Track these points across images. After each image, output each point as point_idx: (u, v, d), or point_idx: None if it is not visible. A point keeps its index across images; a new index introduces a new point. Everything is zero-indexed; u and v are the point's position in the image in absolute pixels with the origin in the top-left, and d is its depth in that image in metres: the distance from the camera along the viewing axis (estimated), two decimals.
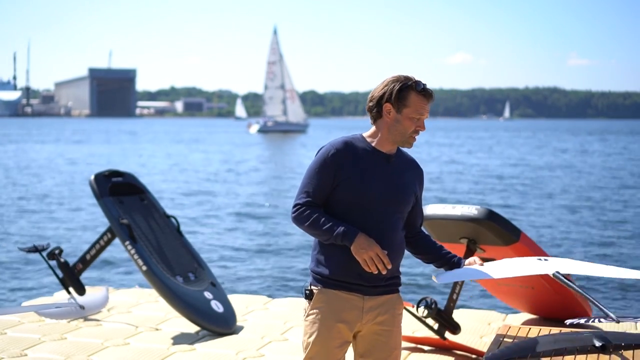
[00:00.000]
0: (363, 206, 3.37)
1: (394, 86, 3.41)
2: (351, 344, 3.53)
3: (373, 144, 3.45)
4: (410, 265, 11.49)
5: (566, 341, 4.76)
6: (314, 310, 3.44)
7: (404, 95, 3.40)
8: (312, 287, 3.47)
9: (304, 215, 3.39)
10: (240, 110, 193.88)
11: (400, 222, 3.47)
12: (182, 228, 7.34)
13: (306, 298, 3.48)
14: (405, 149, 3.55)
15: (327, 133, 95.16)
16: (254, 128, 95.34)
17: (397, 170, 3.46)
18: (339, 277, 3.39)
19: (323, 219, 3.36)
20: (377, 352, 3.47)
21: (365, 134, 3.49)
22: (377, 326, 3.46)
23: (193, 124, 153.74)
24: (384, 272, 3.34)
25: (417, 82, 3.42)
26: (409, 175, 3.50)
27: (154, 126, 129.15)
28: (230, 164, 39.45)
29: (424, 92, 3.42)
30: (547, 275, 6.00)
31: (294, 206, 3.43)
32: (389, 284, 3.47)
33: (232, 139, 77.62)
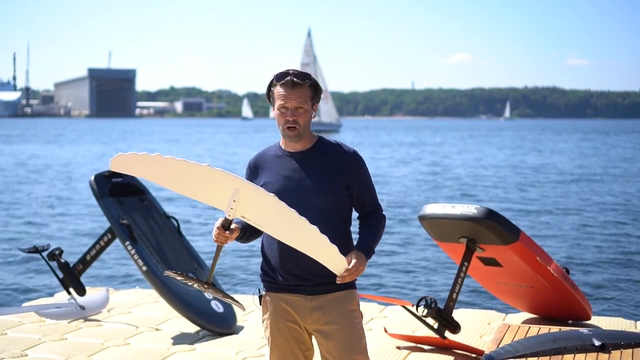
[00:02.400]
0: None
1: (267, 88, 3.50)
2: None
3: (283, 147, 3.51)
4: (410, 265, 11.50)
5: (565, 340, 4.77)
6: (265, 315, 3.54)
7: (272, 92, 3.46)
8: (262, 292, 3.56)
9: None
10: (246, 110, 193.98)
11: (322, 215, 3.37)
12: (182, 228, 7.34)
13: (260, 304, 3.57)
14: (334, 138, 3.55)
15: (357, 133, 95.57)
16: None
17: (306, 165, 3.43)
18: (277, 280, 3.44)
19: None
20: (335, 352, 3.45)
21: (281, 140, 3.55)
22: (327, 326, 3.44)
23: (205, 125, 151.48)
24: (218, 241, 3.32)
25: (277, 75, 3.44)
26: (326, 165, 3.43)
27: (175, 127, 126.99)
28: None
29: (282, 81, 3.40)
30: (547, 275, 6.01)
31: None
32: (332, 282, 3.41)
33: (266, 139, 77.51)
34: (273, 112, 3.48)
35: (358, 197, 3.49)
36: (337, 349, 3.44)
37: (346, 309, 3.46)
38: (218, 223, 3.31)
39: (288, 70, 3.43)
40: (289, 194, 3.38)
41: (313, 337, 3.57)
